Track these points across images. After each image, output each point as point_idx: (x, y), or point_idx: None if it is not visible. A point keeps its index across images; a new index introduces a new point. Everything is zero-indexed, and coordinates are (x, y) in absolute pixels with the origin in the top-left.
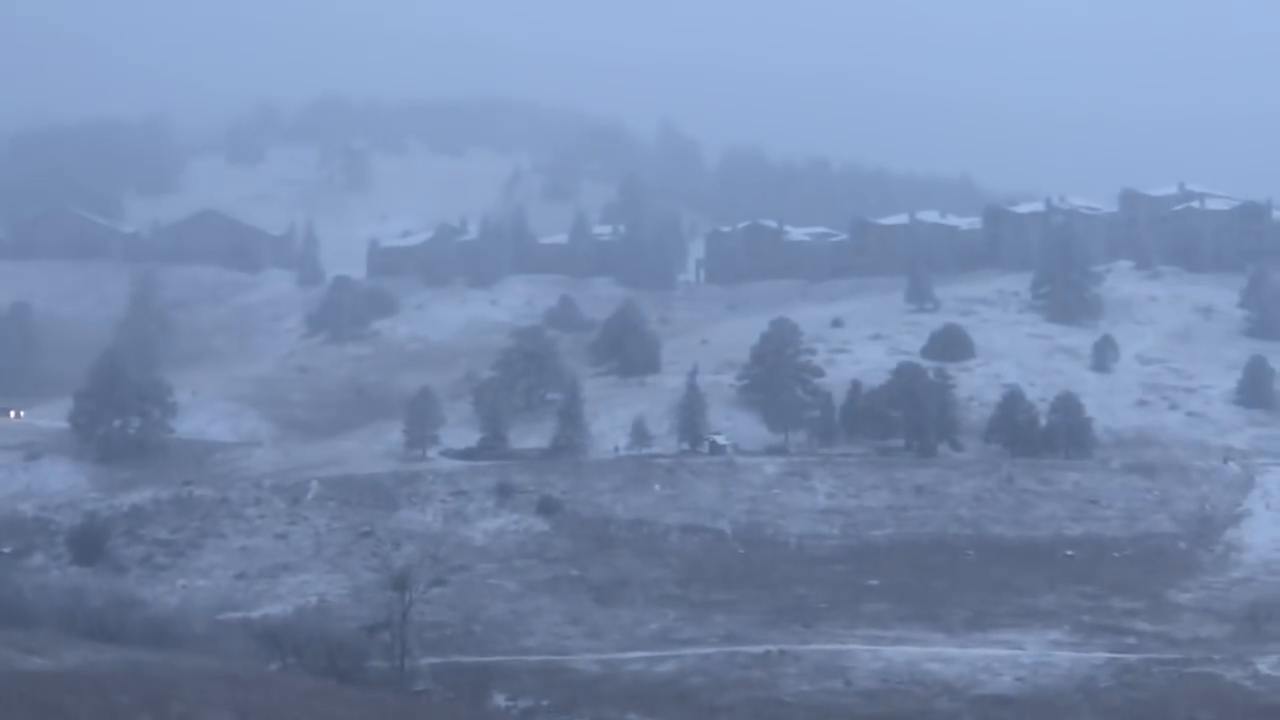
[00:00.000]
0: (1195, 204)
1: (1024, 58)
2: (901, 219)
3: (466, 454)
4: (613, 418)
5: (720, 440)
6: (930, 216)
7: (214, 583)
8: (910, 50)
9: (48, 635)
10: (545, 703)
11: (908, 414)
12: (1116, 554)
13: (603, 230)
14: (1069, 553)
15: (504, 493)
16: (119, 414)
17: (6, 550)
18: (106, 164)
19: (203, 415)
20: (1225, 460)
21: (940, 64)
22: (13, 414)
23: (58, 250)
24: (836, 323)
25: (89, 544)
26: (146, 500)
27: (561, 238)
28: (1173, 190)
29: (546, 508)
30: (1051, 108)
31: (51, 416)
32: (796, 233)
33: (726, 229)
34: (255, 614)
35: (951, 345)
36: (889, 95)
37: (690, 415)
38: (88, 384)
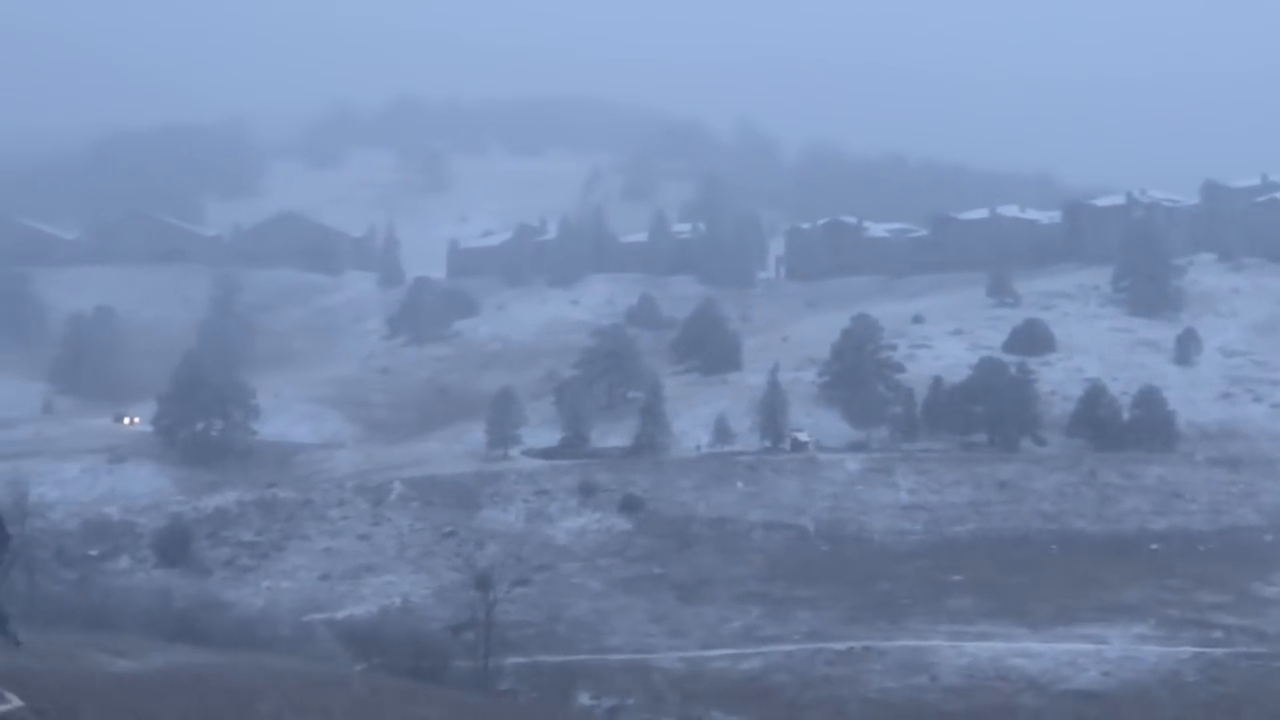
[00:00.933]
0: (1278, 195)
1: (1103, 52)
2: (981, 214)
3: (548, 453)
4: (694, 416)
5: (802, 437)
6: (1010, 211)
7: (298, 584)
8: (988, 46)
9: (134, 638)
10: (630, 701)
11: (989, 409)
12: (1201, 547)
13: (682, 228)
14: (1153, 547)
15: (586, 491)
16: (202, 417)
17: (93, 553)
18: (187, 168)
19: (285, 417)
20: None
21: (1017, 59)
22: (127, 420)
23: (139, 254)
24: (917, 318)
25: (174, 546)
26: (230, 502)
27: (641, 236)
28: (1255, 182)
29: (629, 506)
30: (1131, 101)
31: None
32: (876, 229)
33: (806, 226)
34: (339, 615)
35: (1033, 340)
36: (966, 90)
37: (772, 412)
38: (170, 387)
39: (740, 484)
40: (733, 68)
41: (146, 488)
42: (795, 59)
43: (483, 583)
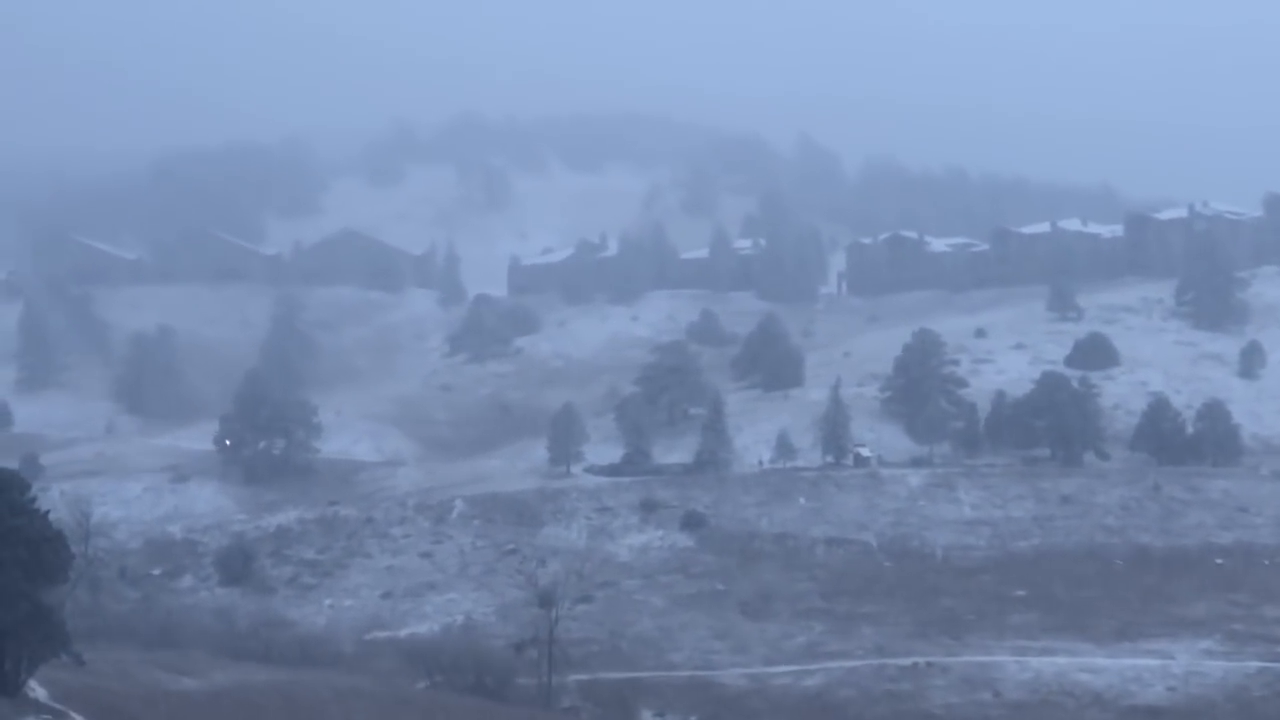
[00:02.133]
0: None
1: (1160, 70)
2: (1043, 227)
3: (610, 470)
4: (756, 431)
5: (864, 452)
6: (1072, 224)
7: (360, 602)
8: (1045, 66)
9: (198, 656)
10: (693, 718)
11: (1052, 423)
12: (1267, 561)
13: (743, 244)
14: (1218, 561)
15: (648, 508)
16: (264, 435)
17: (156, 572)
18: (247, 187)
19: (346, 435)
20: None
21: (1077, 77)
22: (229, 443)
23: (200, 273)
24: (979, 333)
25: (236, 565)
26: (292, 521)
27: (702, 252)
28: None
29: (691, 523)
30: (1190, 116)
31: (197, 439)
32: (937, 243)
33: (867, 241)
34: (402, 633)
35: (1095, 353)
36: (1025, 109)
37: (834, 428)
38: (232, 406)
39: (803, 500)
40: (789, 82)
41: (209, 506)
42: (854, 73)
43: (545, 600)
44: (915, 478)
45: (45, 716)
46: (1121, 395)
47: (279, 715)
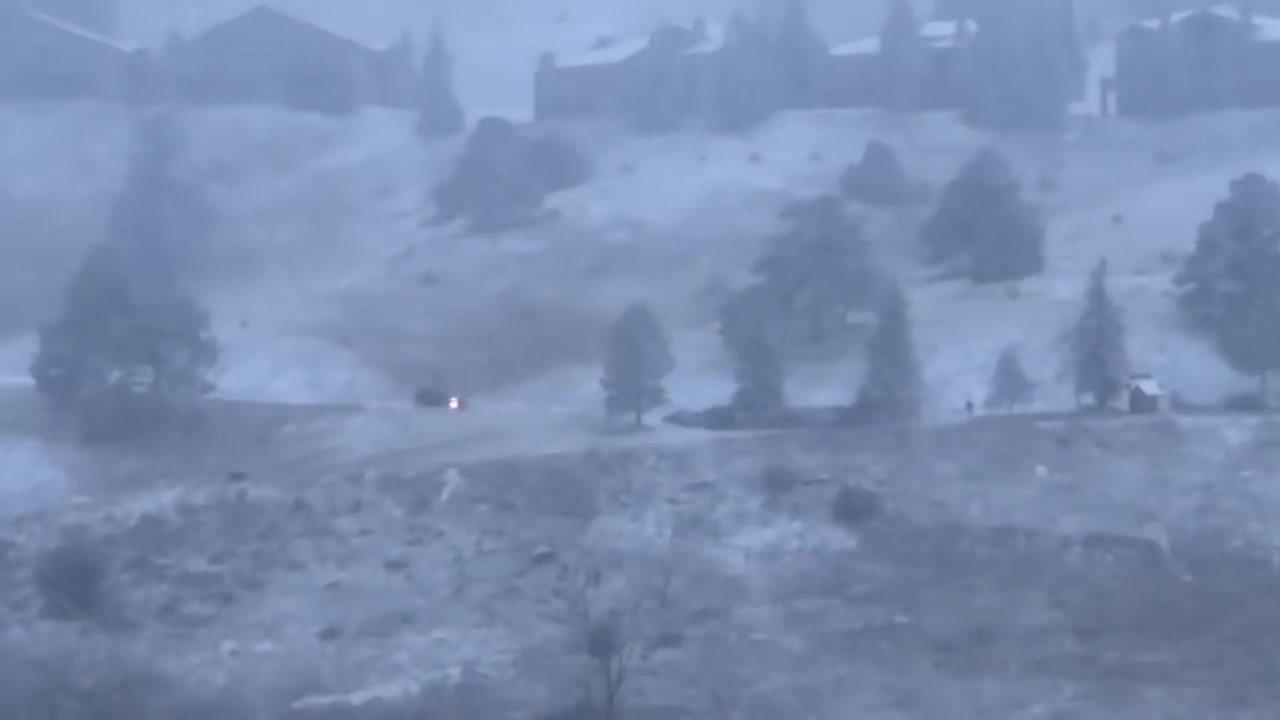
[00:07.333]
0: None
1: None
2: None
3: (711, 419)
4: (962, 353)
5: (1149, 389)
6: None
7: (285, 646)
8: None
9: None
10: None
11: None
12: None
13: (939, 31)
14: None
15: (777, 484)
16: (116, 361)
17: None
18: None
19: (260, 361)
20: None
21: None
22: (454, 403)
23: (10, 84)
24: None
25: (73, 583)
26: (168, 506)
27: (869, 45)
28: None
29: (850, 509)
30: None
31: (4, 367)
32: (1271, 26)
33: (1153, 24)
34: (356, 698)
35: None
36: None
37: (1096, 347)
38: (64, 310)
39: (1042, 469)
40: None
41: (24, 483)
42: None
43: (601, 642)
44: (1236, 432)
45: None
46: None
47: None
